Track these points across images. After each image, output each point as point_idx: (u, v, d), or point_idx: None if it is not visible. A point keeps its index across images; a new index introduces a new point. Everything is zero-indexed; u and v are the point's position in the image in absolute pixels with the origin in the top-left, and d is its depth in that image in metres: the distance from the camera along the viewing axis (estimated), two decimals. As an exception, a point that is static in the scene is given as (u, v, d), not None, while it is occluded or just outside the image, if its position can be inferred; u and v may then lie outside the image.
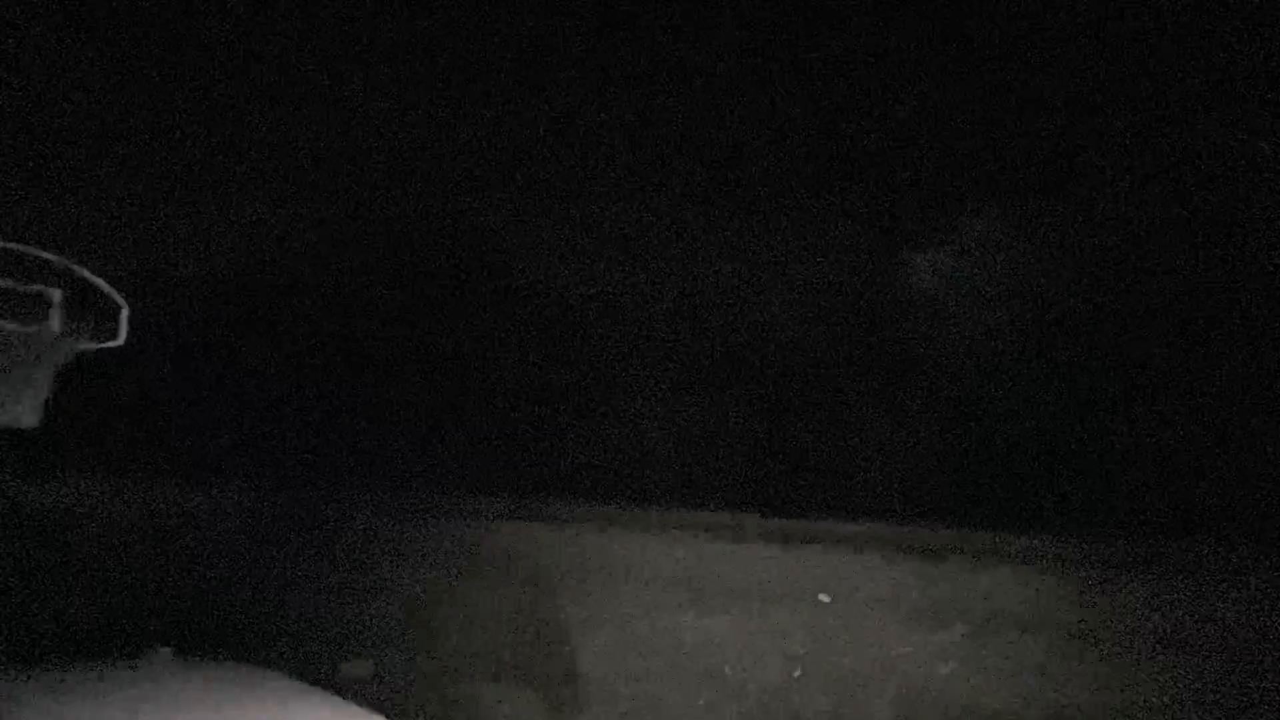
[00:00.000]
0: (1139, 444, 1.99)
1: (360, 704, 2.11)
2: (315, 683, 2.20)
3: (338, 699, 2.15)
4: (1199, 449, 1.90)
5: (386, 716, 1.99)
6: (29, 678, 2.12)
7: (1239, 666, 1.61)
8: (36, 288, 2.63)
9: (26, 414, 2.60)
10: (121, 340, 2.71)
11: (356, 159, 2.50)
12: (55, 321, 2.63)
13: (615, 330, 2.42)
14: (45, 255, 2.66)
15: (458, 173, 2.41)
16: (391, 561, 2.50)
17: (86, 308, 2.68)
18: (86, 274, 2.70)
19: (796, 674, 2.01)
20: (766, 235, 2.27)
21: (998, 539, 1.94)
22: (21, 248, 2.63)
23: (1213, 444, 1.89)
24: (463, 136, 2.32)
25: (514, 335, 2.55)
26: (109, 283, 2.72)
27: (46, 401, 2.64)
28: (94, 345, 2.68)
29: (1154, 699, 1.70)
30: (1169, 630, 1.71)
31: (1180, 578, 1.72)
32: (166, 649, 2.31)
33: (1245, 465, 1.84)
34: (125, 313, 2.71)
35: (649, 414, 2.40)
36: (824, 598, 2.02)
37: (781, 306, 2.30)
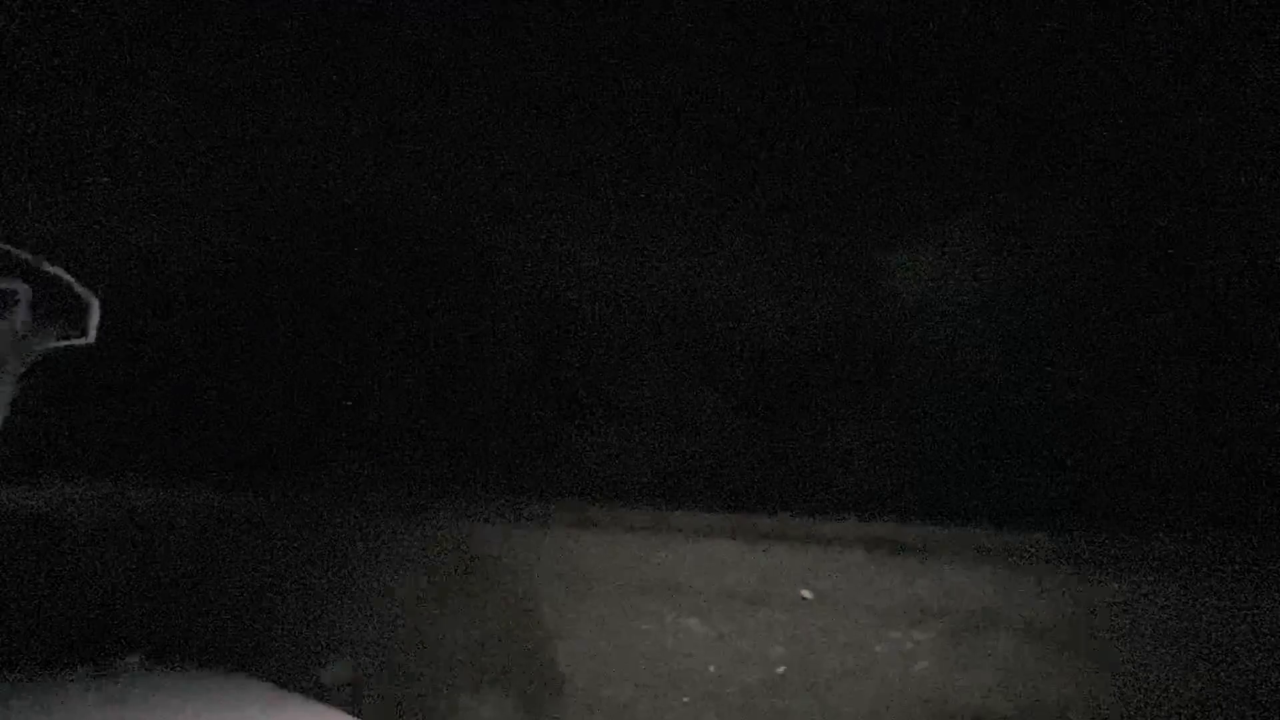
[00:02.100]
0: (1120, 441, 2.01)
1: (338, 710, 2.09)
2: (292, 688, 2.18)
3: (315, 704, 2.13)
4: (1182, 446, 1.92)
5: (364, 720, 1.97)
6: (-4, 684, 2.08)
7: (1222, 663, 1.63)
8: (1, 283, 2.57)
9: (-9, 414, 2.55)
10: (92, 338, 2.66)
11: (343, 153, 2.46)
12: (21, 318, 2.57)
13: (600, 332, 2.40)
14: (10, 249, 2.60)
15: (447, 170, 2.38)
16: (369, 565, 2.47)
17: (54, 304, 2.62)
18: (54, 269, 2.64)
19: (780, 670, 2.01)
20: (748, 237, 2.27)
21: (978, 536, 1.96)
22: (-14, 242, 2.57)
23: (1196, 440, 1.91)
24: (453, 134, 2.29)
25: (498, 335, 2.53)
26: (78, 278, 2.66)
27: (12, 402, 2.58)
28: (62, 343, 2.63)
29: (1134, 696, 1.72)
30: (1150, 627, 1.73)
31: (1161, 574, 1.73)
32: (134, 657, 2.27)
33: (1227, 461, 1.86)
34: (96, 309, 2.65)
35: (629, 414, 2.38)
36: (805, 594, 2.02)
37: (763, 307, 2.30)
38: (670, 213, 2.28)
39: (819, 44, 2.01)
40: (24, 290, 2.59)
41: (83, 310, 2.64)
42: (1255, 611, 1.61)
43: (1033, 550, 1.88)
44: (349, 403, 2.64)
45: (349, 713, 2.05)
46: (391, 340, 2.66)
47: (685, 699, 2.09)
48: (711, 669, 2.07)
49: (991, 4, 1.87)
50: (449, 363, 2.60)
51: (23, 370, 2.63)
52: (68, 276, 2.64)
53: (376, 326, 2.68)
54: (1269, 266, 1.80)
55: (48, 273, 2.62)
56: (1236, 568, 1.65)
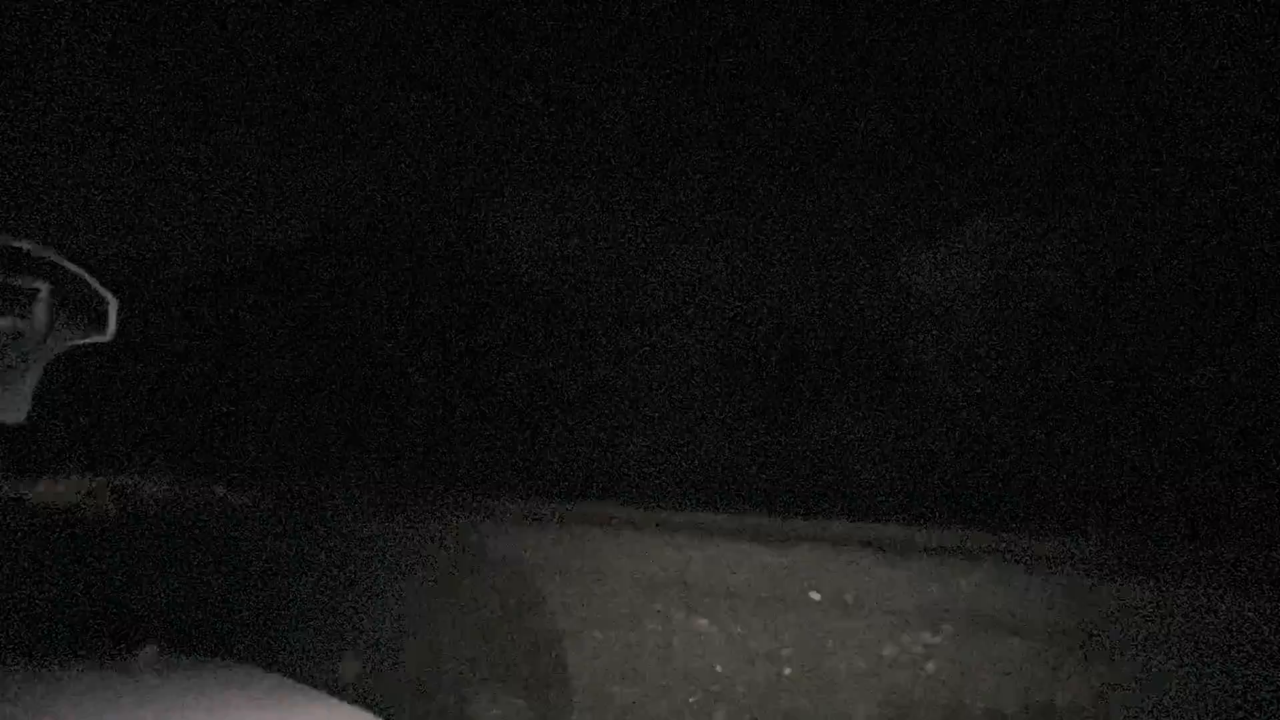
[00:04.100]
0: (1131, 445, 1.99)
1: (348, 703, 2.11)
2: (304, 681, 2.20)
3: (327, 697, 2.15)
4: (1194, 450, 1.90)
5: (375, 716, 1.98)
6: (14, 674, 2.11)
7: (1232, 668, 1.62)
8: (22, 281, 2.60)
9: (12, 410, 2.59)
10: (110, 335, 2.68)
11: (352, 153, 2.47)
12: (41, 316, 2.60)
13: (609, 328, 2.41)
14: (31, 248, 2.63)
15: (455, 169, 2.39)
16: (382, 562, 2.49)
17: (74, 302, 2.65)
18: (73, 267, 2.67)
19: (788, 671, 2.01)
20: (762, 234, 2.26)
21: (988, 539, 1.95)
22: (6, 240, 2.61)
23: (1208, 445, 1.89)
24: (461, 133, 2.30)
25: (506, 334, 2.54)
26: (96, 276, 2.69)
27: (33, 397, 2.61)
28: (81, 340, 2.66)
29: (1143, 700, 1.71)
30: (1159, 631, 1.71)
31: (1173, 579, 1.72)
32: (152, 647, 2.30)
33: (1240, 467, 1.84)
34: (114, 307, 2.68)
35: (639, 413, 2.39)
36: (814, 595, 2.02)
37: (775, 306, 2.29)
38: (680, 213, 2.28)
39: (834, 44, 2.00)
40: (44, 288, 2.62)
41: (102, 308, 2.67)
42: (1262, 616, 1.60)
43: (1043, 554, 1.87)
44: (367, 404, 2.66)
45: (359, 706, 2.07)
46: (398, 341, 2.68)
47: (693, 698, 2.09)
48: (719, 668, 2.08)
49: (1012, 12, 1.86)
50: (458, 362, 2.61)
51: (44, 367, 2.66)
52: (87, 275, 2.67)
53: (392, 331, 2.70)
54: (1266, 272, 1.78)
55: (68, 271, 2.64)
56: (1245, 574, 1.64)
